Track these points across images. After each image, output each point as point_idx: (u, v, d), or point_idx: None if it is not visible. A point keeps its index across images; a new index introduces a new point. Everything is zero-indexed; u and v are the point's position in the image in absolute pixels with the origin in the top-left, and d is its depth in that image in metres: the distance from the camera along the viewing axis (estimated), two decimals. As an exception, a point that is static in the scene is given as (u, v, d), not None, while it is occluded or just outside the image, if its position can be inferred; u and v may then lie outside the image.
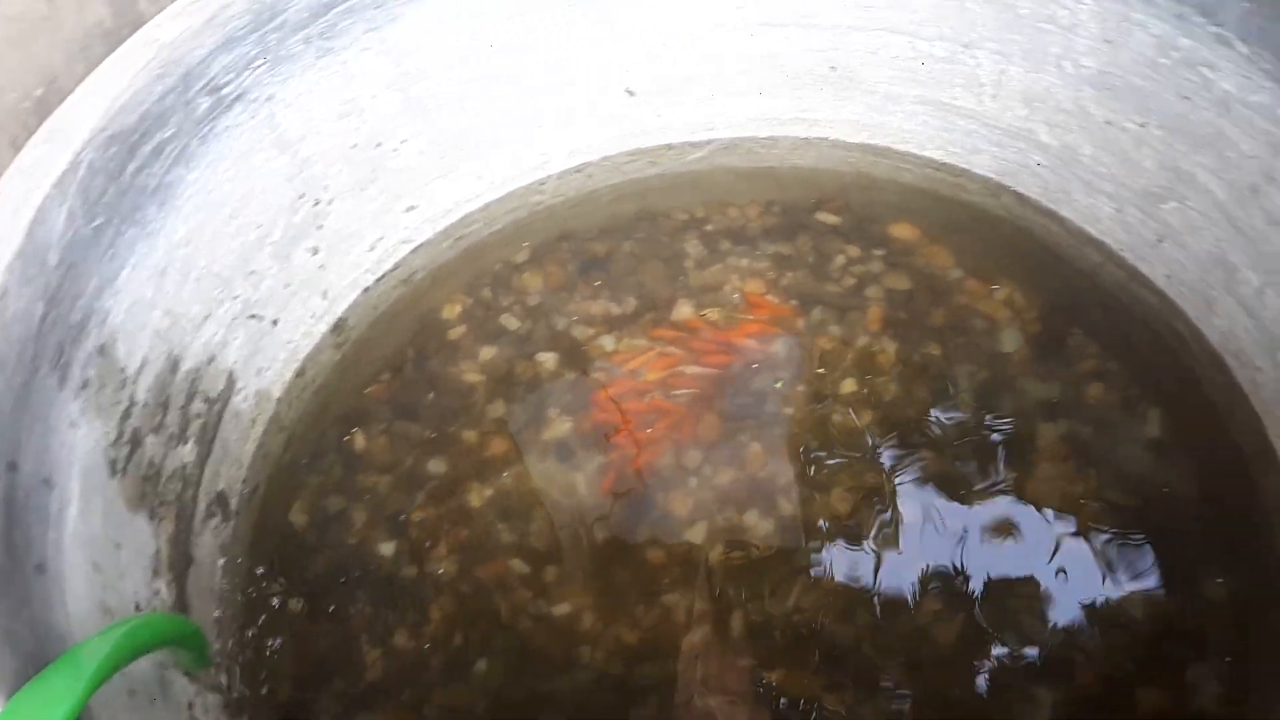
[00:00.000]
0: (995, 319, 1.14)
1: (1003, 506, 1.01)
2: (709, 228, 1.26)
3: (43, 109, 1.07)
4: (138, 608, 0.83)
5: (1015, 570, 0.97)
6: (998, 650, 0.93)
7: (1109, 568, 0.97)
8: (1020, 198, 1.20)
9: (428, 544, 1.03)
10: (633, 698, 0.93)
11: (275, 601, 1.00)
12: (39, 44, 1.05)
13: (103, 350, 0.86)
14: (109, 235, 0.86)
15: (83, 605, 0.74)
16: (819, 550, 0.99)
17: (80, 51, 1.09)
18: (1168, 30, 0.97)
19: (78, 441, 0.81)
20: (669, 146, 1.29)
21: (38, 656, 0.63)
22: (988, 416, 1.07)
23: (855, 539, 1.00)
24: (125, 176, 0.88)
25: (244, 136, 0.99)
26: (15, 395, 0.73)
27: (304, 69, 1.02)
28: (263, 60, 0.98)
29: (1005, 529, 0.99)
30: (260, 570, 1.03)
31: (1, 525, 0.67)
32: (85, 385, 0.83)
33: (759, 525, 1.02)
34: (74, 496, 0.79)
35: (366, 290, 1.21)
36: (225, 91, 0.96)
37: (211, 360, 1.02)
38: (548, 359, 1.16)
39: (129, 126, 0.87)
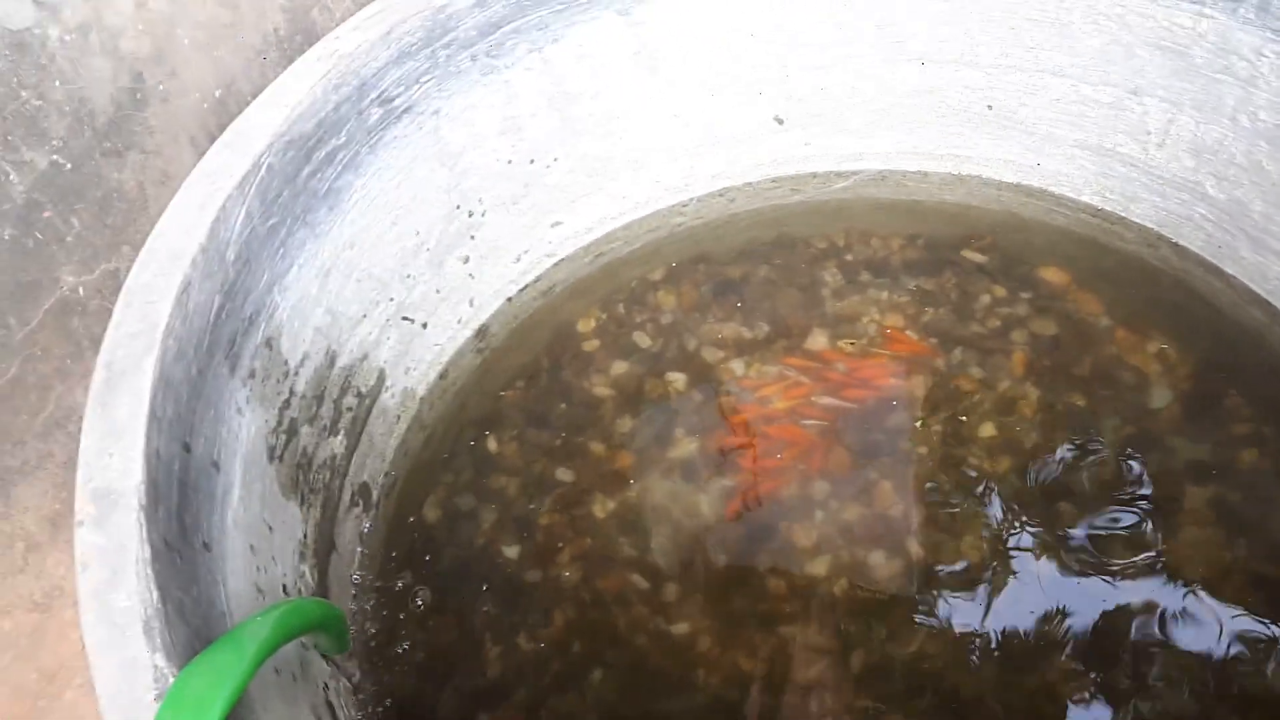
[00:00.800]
0: (1146, 373, 1.10)
1: (1143, 569, 0.97)
2: (849, 257, 1.25)
3: (221, 110, 1.13)
4: (285, 590, 0.88)
5: (1153, 637, 0.93)
6: (1128, 716, 0.90)
7: (1255, 643, 0.92)
8: (1180, 250, 1.16)
9: (552, 549, 1.05)
10: (745, 726, 0.93)
11: (404, 593, 1.04)
12: (222, 49, 1.12)
13: (269, 343, 0.90)
14: (281, 235, 0.91)
15: (240, 584, 0.78)
16: (947, 596, 0.97)
17: (257, 56, 1.15)
18: (1360, 87, 0.93)
19: (243, 428, 0.85)
20: (814, 175, 1.29)
21: (203, 631, 0.67)
22: (1132, 473, 1.03)
23: (985, 589, 0.97)
24: (300, 180, 0.92)
25: (409, 147, 1.04)
26: (192, 382, 0.77)
27: (469, 85, 1.06)
28: (431, 75, 1.02)
29: (1146, 593, 0.96)
30: (393, 561, 1.06)
31: (176, 504, 0.71)
32: (252, 375, 0.88)
33: (885, 565, 1.00)
34: (236, 480, 0.83)
35: (509, 300, 1.24)
36: (396, 103, 1.00)
37: (365, 358, 1.07)
38: (677, 378, 1.17)
39: (306, 133, 0.92)
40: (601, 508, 1.08)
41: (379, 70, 0.97)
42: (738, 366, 1.17)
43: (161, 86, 1.08)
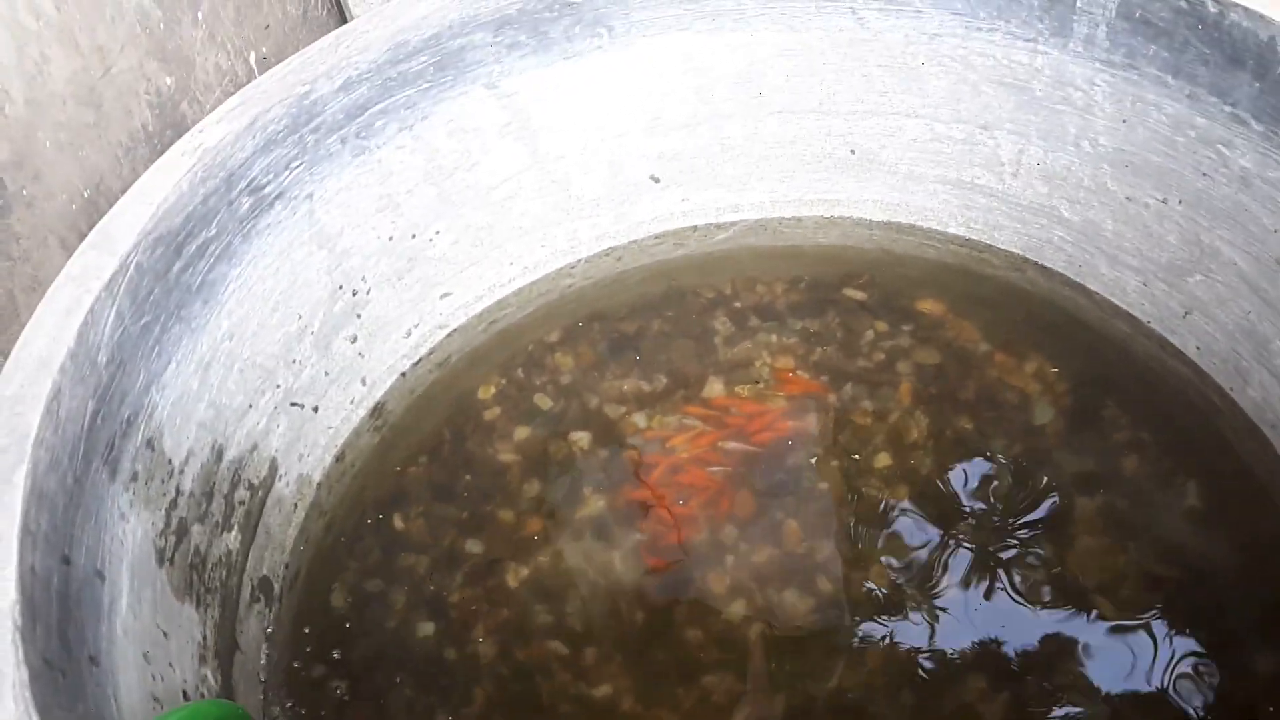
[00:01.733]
0: (1027, 392, 1.14)
1: (1042, 582, 1.00)
2: (737, 304, 1.28)
3: (91, 209, 1.11)
4: (185, 696, 0.84)
5: (1058, 647, 0.96)
6: (1043, 727, 0.92)
7: (1152, 644, 0.96)
8: (1045, 271, 1.22)
9: (467, 624, 1.04)
10: (674, 782, 0.93)
11: (317, 685, 1.01)
12: (87, 149, 1.10)
13: (150, 443, 0.88)
14: (156, 333, 0.89)
15: (134, 696, 0.75)
16: (860, 628, 0.99)
17: (126, 154, 1.14)
18: (1182, 110, 0.99)
19: (127, 533, 0.83)
20: (694, 228, 1.32)
21: (90, 753, 0.64)
22: (1023, 491, 1.06)
23: (896, 616, 0.99)
24: (171, 275, 0.91)
25: (284, 233, 1.03)
26: (69, 491, 0.75)
27: (341, 167, 1.06)
28: (301, 160, 1.02)
29: (1046, 604, 0.99)
30: (303, 655, 1.03)
31: (57, 620, 0.68)
32: (134, 478, 0.85)
33: (799, 603, 1.01)
34: (124, 588, 0.80)
35: (403, 375, 1.23)
36: (266, 190, 1.00)
37: (254, 448, 1.05)
38: (581, 437, 1.17)
39: (174, 228, 0.90)
40: (514, 576, 1.07)
41: (246, 160, 0.97)
42: (640, 420, 1.18)
43: (25, 191, 1.06)
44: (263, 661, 1.01)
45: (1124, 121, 1.05)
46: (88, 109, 1.09)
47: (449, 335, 1.27)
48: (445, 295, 1.24)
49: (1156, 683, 0.93)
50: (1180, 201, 1.05)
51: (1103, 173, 1.10)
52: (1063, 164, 1.13)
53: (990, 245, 1.24)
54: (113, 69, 1.11)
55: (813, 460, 1.11)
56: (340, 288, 1.13)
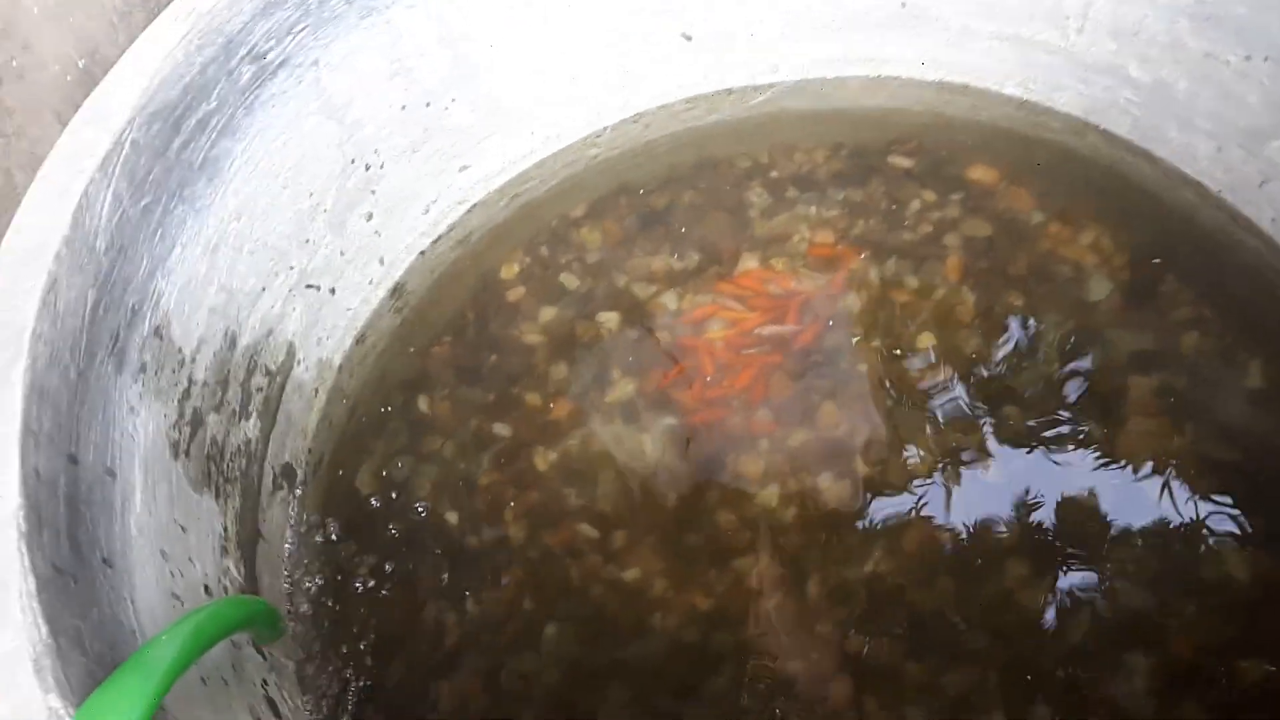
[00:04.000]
0: (1082, 265, 1.08)
1: (1092, 464, 0.96)
2: (774, 174, 1.21)
3: (87, 80, 1.05)
4: (207, 590, 0.83)
5: (1106, 531, 0.93)
6: (1087, 616, 0.89)
7: (1208, 527, 0.92)
8: (1108, 136, 1.13)
9: (496, 508, 1.02)
10: (707, 666, 0.91)
11: (345, 571, 1.00)
12: (77, 15, 1.03)
13: (158, 332, 0.85)
14: (158, 215, 0.85)
15: (152, 595, 0.73)
16: (898, 513, 0.96)
17: (120, 20, 1.07)
18: (1278, -50, 0.89)
19: (138, 427, 0.80)
20: (729, 91, 1.24)
21: (107, 658, 0.63)
22: (1076, 369, 1.01)
23: (936, 500, 0.96)
24: (171, 153, 0.86)
25: (290, 104, 0.97)
26: (72, 388, 0.72)
27: (348, 30, 0.99)
28: (305, 24, 0.95)
29: (1095, 488, 0.95)
30: (329, 539, 1.02)
31: (66, 523, 0.66)
32: (143, 370, 0.82)
33: (834, 487, 0.98)
34: (138, 484, 0.78)
35: (423, 254, 1.19)
36: (268, 59, 0.93)
37: (270, 333, 1.01)
38: (609, 318, 1.13)
39: (171, 101, 0.85)
40: (543, 460, 1.05)
41: (245, 25, 0.90)
42: (670, 300, 1.13)
43: (15, 62, 1.00)
44: (287, 549, 1.00)
45: (1208, -34, 0.95)
46: (75, -30, 1.02)
47: (469, 211, 1.21)
48: (464, 168, 1.18)
49: (1207, 570, 0.90)
50: (1266, 59, 0.96)
51: (1179, 27, 1.01)
52: (1135, 16, 1.03)
53: (1049, 108, 1.16)
54: (100, -74, 1.03)
55: (853, 340, 1.06)
56: (353, 161, 1.07)
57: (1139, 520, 0.93)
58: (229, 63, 0.89)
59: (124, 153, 0.80)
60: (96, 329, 0.76)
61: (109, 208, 0.78)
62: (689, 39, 1.18)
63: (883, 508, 0.96)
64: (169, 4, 0.90)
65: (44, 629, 0.56)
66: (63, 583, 0.62)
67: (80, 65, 1.05)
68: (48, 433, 0.67)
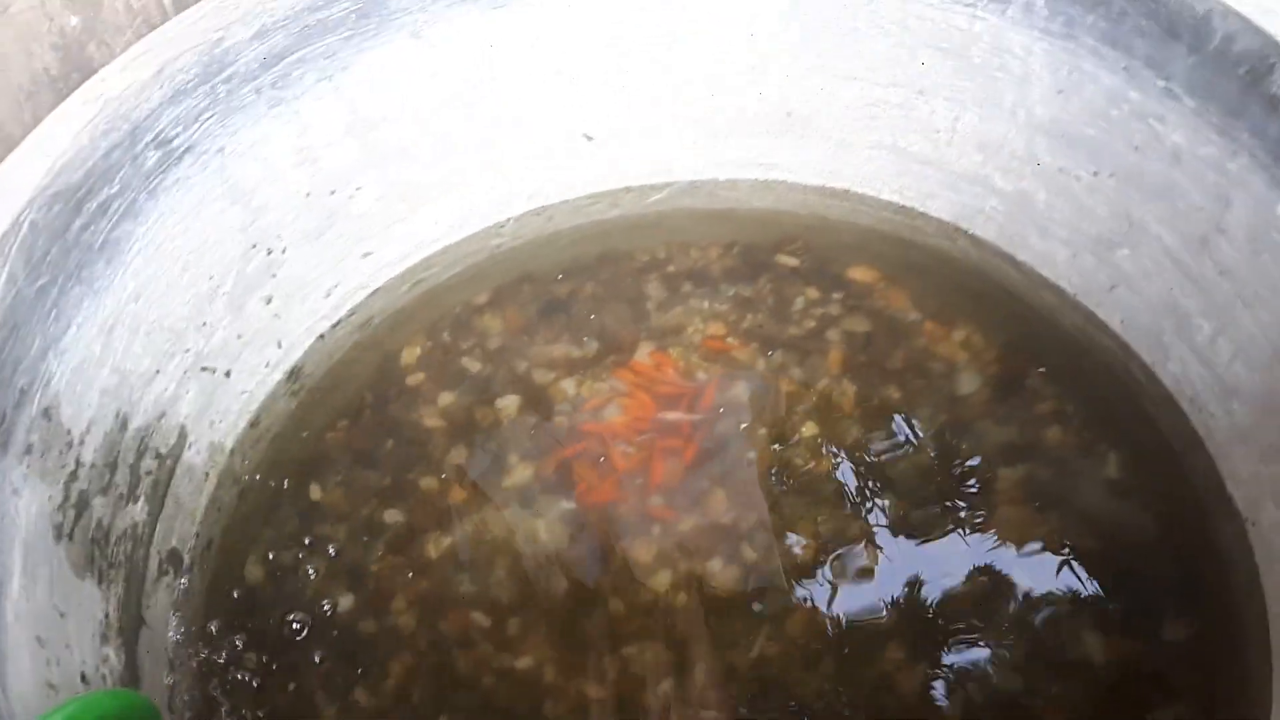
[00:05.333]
0: (954, 361, 1.14)
1: (964, 551, 1.01)
2: (670, 269, 1.25)
3: (-12, 158, 1.05)
4: (84, 678, 0.81)
5: (976, 617, 0.97)
6: (960, 698, 0.93)
7: (1071, 611, 0.97)
8: (976, 240, 1.21)
9: (387, 596, 1.02)
10: (596, 753, 0.92)
11: (231, 660, 0.98)
12: (-17, 92, 1.03)
13: (47, 413, 0.84)
14: (53, 295, 0.84)
15: (25, 684, 0.71)
16: (782, 598, 0.99)
17: (27, 99, 1.07)
18: (1118, 83, 0.98)
19: (20, 510, 0.79)
20: (628, 189, 1.29)
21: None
22: (948, 460, 1.07)
23: (818, 586, 0.99)
24: (70, 234, 0.86)
25: (195, 189, 0.98)
26: (-47, 468, 0.71)
27: (256, 119, 1.01)
28: (212, 112, 0.96)
29: (966, 574, 0.99)
30: (215, 628, 1.00)
31: (-65, 608, 0.65)
32: (29, 451, 0.81)
33: (723, 572, 1.01)
34: (16, 568, 0.76)
35: (323, 337, 1.19)
36: (175, 144, 0.94)
37: (162, 416, 1.00)
38: (509, 403, 1.15)
39: (75, 183, 0.85)
40: (437, 546, 1.05)
41: (153, 111, 0.91)
42: (569, 386, 1.15)
43: (-89, 138, 0.99)
44: (171, 636, 0.98)
45: (1060, 92, 1.04)
46: (-20, 49, 1.02)
47: (371, 295, 1.23)
48: (367, 254, 1.20)
49: (1071, 653, 0.94)
50: (1111, 175, 1.05)
51: (1037, 143, 1.09)
52: (998, 133, 1.11)
53: (923, 213, 1.23)
54: (11, 7, 1.04)
55: (742, 428, 1.10)
56: (254, 246, 1.08)
57: (1008, 605, 0.97)
58: (134, 147, 0.90)
59: (21, 233, 0.80)
60: (-18, 409, 0.75)
61: (2, 288, 0.78)
62: (590, 139, 1.24)
63: (768, 593, 0.99)
64: (77, 85, 0.91)
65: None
66: (-70, 671, 0.60)
67: (-21, 143, 1.04)
68: (-76, 515, 0.66)
